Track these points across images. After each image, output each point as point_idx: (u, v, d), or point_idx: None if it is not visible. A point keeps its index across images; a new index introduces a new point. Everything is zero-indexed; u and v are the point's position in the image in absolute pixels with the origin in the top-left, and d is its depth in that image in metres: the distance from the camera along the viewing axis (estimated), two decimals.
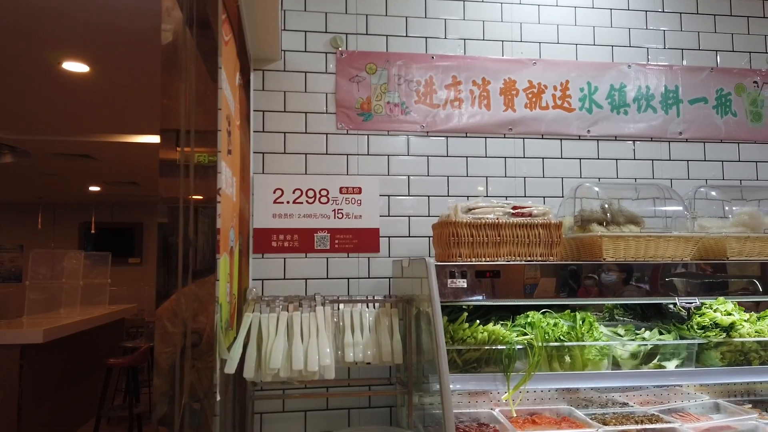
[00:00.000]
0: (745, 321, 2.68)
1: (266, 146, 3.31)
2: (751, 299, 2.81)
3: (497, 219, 2.61)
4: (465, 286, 2.41)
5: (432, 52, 3.52)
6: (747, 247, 2.71)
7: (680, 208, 2.81)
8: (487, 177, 3.49)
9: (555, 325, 2.63)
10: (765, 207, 3.05)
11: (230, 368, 2.14)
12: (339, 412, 3.18)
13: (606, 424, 2.82)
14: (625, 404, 3.17)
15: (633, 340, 2.75)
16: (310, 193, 3.31)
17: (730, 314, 2.69)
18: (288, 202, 3.28)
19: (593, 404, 3.17)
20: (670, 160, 3.62)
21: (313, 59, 3.41)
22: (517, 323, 2.66)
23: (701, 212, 3.07)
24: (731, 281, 2.70)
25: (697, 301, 2.59)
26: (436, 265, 2.39)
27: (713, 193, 2.96)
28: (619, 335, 2.88)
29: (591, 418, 2.93)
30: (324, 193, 3.32)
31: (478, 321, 2.56)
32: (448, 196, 3.43)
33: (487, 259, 2.57)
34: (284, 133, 3.34)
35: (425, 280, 2.40)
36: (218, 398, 1.91)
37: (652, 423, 2.82)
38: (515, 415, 2.84)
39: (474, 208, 2.70)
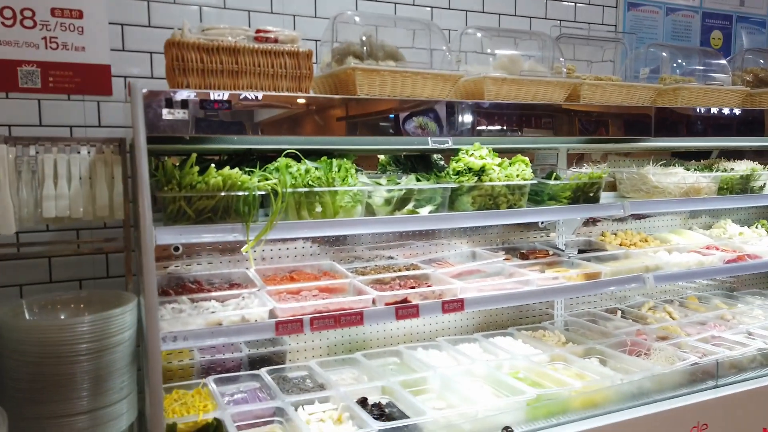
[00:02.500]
0: (496, 165, 2.67)
1: None
2: (503, 146, 2.81)
3: (235, 43, 2.17)
4: (186, 118, 1.98)
5: None
6: (504, 90, 2.65)
7: (443, 48, 2.62)
8: (249, 11, 2.98)
9: (306, 171, 2.36)
10: (532, 52, 2.99)
11: None
12: (67, 284, 2.68)
13: (365, 275, 2.73)
14: (390, 258, 3.14)
15: (395, 186, 2.61)
16: (7, 13, 2.52)
17: (483, 159, 2.66)
18: None
19: (360, 260, 3.09)
20: (449, 8, 3.43)
21: None
22: (263, 169, 2.34)
23: (471, 59, 2.94)
24: (487, 125, 2.64)
25: (449, 141, 2.48)
26: (146, 92, 1.91)
27: (479, 35, 2.83)
28: (381, 184, 2.73)
29: (352, 272, 2.82)
30: (28, 14, 2.55)
31: (213, 165, 2.18)
32: None
33: (223, 91, 2.15)
34: None
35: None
36: None
37: (409, 271, 2.79)
38: (254, 268, 2.61)
39: (209, 29, 2.22)
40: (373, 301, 2.37)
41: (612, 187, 3.58)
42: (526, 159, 2.78)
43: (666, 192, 3.20)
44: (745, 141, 3.59)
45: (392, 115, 2.40)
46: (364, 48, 2.41)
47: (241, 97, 2.10)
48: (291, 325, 2.16)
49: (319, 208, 2.36)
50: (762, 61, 3.51)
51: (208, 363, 2.79)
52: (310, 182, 2.31)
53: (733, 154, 4.07)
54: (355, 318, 2.28)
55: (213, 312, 2.18)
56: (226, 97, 2.05)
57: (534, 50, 3.01)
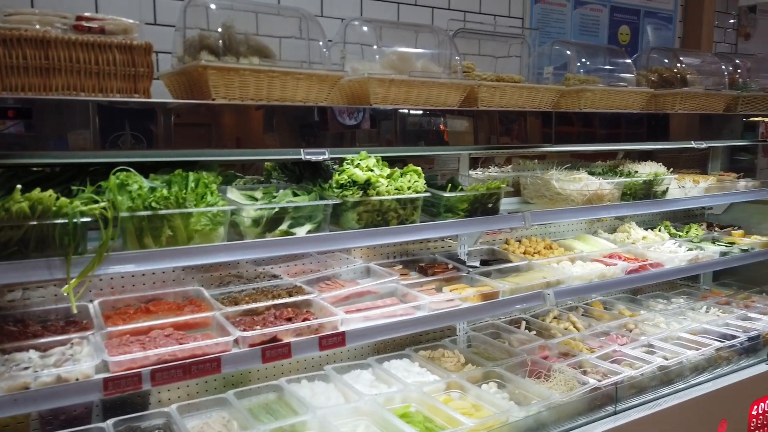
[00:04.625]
0: (385, 178, 2.37)
1: None
2: (393, 154, 2.52)
3: (44, 32, 1.72)
4: None
5: None
6: (392, 92, 2.34)
7: (320, 42, 2.27)
8: None
9: (151, 190, 1.96)
10: (428, 49, 2.70)
11: None
12: None
13: (237, 304, 2.37)
14: (275, 276, 2.79)
15: (267, 203, 2.25)
16: None
17: (371, 170, 2.35)
18: None
19: (240, 280, 2.72)
20: None
21: None
22: (97, 186, 1.91)
23: (358, 55, 2.60)
24: (375, 131, 2.34)
25: (326, 152, 2.15)
26: None
27: (365, 28, 2.49)
28: (255, 199, 2.37)
29: (223, 298, 2.46)
30: None
31: (19, 186, 1.73)
32: None
33: (32, 93, 1.72)
34: None
35: None
36: None
37: (291, 296, 2.46)
38: (98, 300, 2.20)
39: (12, 14, 1.76)
40: (236, 342, 2.02)
41: (517, 191, 3.40)
42: (419, 169, 2.50)
43: (569, 199, 3.03)
44: (648, 145, 3.49)
45: (257, 122, 2.04)
46: (221, 41, 2.02)
47: (48, 102, 1.67)
48: (125, 382, 1.78)
49: (169, 232, 1.98)
50: (666, 60, 3.40)
51: (50, 410, 2.35)
52: (154, 203, 1.92)
53: (638, 154, 4.00)
54: (211, 366, 1.92)
55: (26, 368, 1.76)
56: (22, 103, 1.61)
57: (430, 46, 2.72)
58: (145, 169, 2.01)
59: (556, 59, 3.19)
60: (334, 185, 2.33)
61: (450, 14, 3.42)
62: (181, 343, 1.96)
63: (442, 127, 2.49)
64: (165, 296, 2.45)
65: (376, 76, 2.28)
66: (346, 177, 2.32)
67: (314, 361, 2.85)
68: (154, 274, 2.46)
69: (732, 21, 5.20)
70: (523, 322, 3.38)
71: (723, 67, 3.45)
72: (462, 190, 2.68)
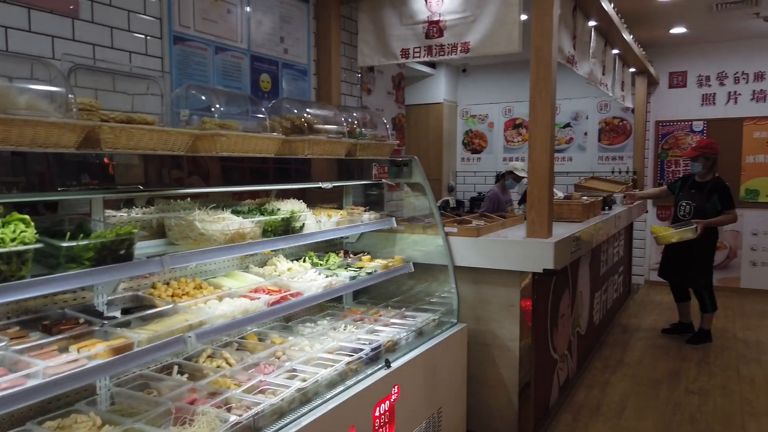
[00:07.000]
0: None
1: None
2: None
3: None
4: None
5: None
6: None
7: None
8: None
9: None
10: (39, 84, 2.43)
11: None
12: None
13: None
14: None
15: None
16: None
17: None
18: None
19: None
20: None
21: None
22: None
23: None
24: None
25: None
26: None
27: None
28: None
29: None
30: None
31: None
32: None
33: None
34: None
35: None
36: None
37: None
38: None
39: None
40: None
41: (164, 232, 3.32)
42: (26, 217, 2.22)
43: (212, 239, 3.10)
44: (283, 185, 3.84)
45: None
46: None
47: None
48: None
49: None
50: (296, 111, 3.81)
51: None
52: None
53: (286, 192, 4.35)
54: None
55: None
56: None
57: (41, 81, 2.46)
58: None
59: (194, 102, 3.25)
60: None
61: (75, 46, 3.17)
62: None
63: (53, 170, 2.27)
64: None
65: None
66: None
67: None
68: None
69: (359, 75, 6.17)
70: (175, 367, 3.28)
71: (344, 118, 4.04)
72: (88, 237, 2.48)
